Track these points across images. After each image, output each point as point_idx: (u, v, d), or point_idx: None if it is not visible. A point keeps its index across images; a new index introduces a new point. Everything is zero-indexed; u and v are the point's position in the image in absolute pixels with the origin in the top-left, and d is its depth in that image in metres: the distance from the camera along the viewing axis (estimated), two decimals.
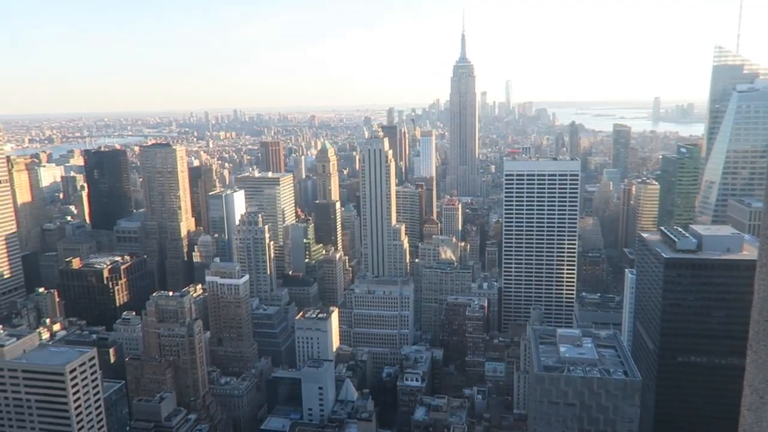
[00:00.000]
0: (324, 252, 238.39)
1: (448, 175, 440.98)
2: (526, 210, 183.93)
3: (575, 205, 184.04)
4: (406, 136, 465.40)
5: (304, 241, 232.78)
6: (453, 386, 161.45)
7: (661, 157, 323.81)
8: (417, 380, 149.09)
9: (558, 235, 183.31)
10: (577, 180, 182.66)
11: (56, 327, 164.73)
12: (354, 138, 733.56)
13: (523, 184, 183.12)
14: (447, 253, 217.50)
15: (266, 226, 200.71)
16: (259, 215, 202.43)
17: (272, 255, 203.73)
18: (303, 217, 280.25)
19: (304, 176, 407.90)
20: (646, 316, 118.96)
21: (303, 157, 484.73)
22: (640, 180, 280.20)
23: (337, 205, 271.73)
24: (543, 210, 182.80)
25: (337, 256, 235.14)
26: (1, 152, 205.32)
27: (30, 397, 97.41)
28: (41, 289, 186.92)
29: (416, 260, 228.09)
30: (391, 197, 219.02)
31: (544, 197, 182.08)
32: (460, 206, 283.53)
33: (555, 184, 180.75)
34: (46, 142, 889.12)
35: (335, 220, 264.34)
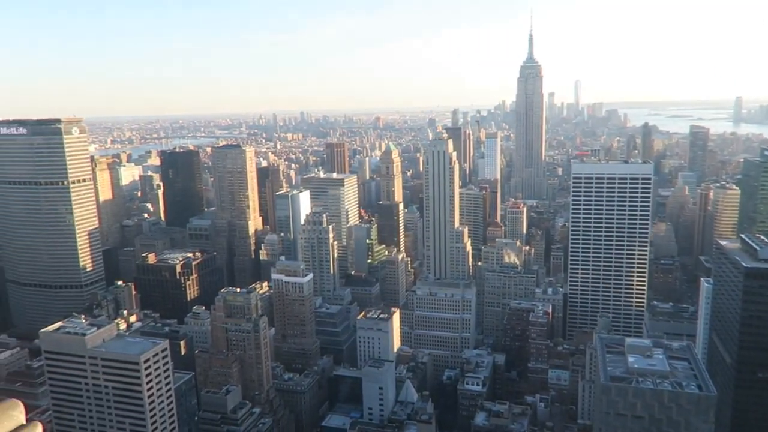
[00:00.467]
0: (386, 253, 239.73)
1: (513, 178, 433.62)
2: (595, 214, 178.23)
3: (647, 210, 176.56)
4: (471, 137, 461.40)
5: (367, 241, 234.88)
6: (515, 392, 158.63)
7: (742, 160, 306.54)
8: (478, 384, 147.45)
9: (628, 241, 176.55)
10: (650, 184, 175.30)
11: (132, 318, 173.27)
12: (418, 140, 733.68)
13: (591, 187, 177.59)
14: (511, 257, 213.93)
15: (330, 226, 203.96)
16: (324, 215, 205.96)
17: (336, 255, 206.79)
18: (366, 217, 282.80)
19: (368, 177, 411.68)
20: (723, 328, 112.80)
21: (367, 159, 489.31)
22: (718, 184, 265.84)
23: (400, 206, 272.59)
24: (612, 214, 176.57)
25: (400, 257, 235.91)
26: (86, 152, 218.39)
27: (108, 384, 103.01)
28: (120, 282, 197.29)
29: (479, 263, 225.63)
30: (454, 199, 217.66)
31: (613, 201, 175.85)
32: (525, 209, 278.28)
33: (626, 187, 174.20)
34: (127, 143, 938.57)
35: (398, 222, 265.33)
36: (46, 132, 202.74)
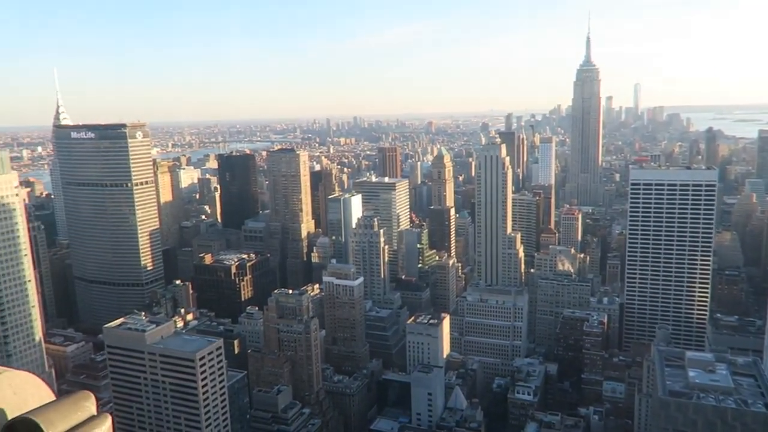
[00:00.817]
0: (437, 258, 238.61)
1: (568, 183, 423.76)
2: (654, 222, 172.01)
3: (711, 218, 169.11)
4: (525, 142, 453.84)
5: (418, 246, 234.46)
6: (567, 404, 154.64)
7: None
8: (529, 394, 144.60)
9: (690, 250, 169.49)
10: (714, 191, 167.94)
11: (189, 317, 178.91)
12: (470, 144, 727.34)
13: (651, 194, 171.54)
14: (565, 265, 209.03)
15: (381, 230, 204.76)
16: (375, 219, 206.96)
17: (386, 259, 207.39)
18: (417, 222, 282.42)
19: (419, 182, 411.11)
20: None
21: (419, 163, 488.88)
22: None
23: (452, 211, 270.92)
24: (673, 222, 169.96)
25: (450, 262, 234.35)
26: (149, 156, 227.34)
27: (165, 379, 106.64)
28: (178, 282, 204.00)
29: (531, 270, 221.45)
30: (506, 205, 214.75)
31: (674, 209, 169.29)
32: (580, 216, 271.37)
33: (688, 194, 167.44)
34: (187, 146, 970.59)
35: (449, 227, 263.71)
36: (113, 136, 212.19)
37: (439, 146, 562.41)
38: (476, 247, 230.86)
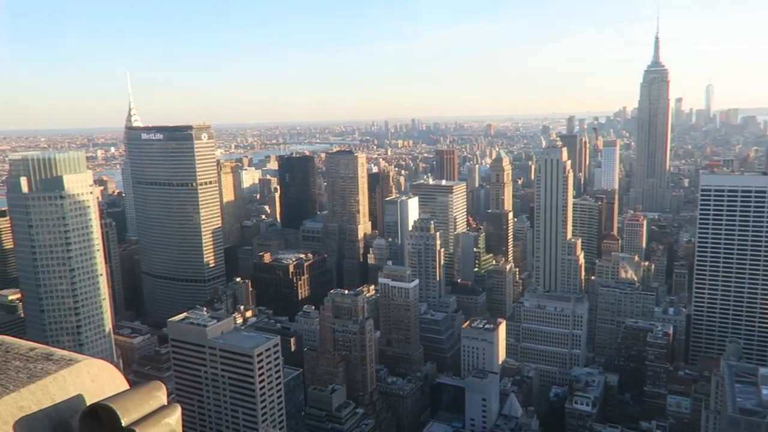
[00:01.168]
0: (494, 262, 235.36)
1: (632, 188, 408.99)
2: (726, 230, 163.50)
3: None
4: (587, 145, 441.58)
5: (474, 250, 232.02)
6: (627, 416, 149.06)
7: None
8: (588, 405, 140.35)
9: (764, 260, 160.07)
10: None
11: (248, 314, 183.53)
12: (530, 147, 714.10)
13: (723, 200, 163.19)
14: (628, 273, 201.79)
15: (437, 233, 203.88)
16: (431, 222, 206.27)
17: (442, 262, 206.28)
18: (474, 226, 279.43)
19: (477, 185, 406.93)
20: None
21: (477, 166, 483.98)
22: None
23: (510, 215, 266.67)
24: (747, 231, 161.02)
25: (507, 267, 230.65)
26: (213, 157, 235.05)
27: (224, 373, 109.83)
28: (238, 279, 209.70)
29: (592, 277, 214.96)
30: (567, 209, 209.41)
31: (748, 216, 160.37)
32: (644, 222, 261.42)
33: (764, 201, 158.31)
34: (249, 148, 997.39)
35: (507, 231, 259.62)
36: (179, 137, 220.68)
37: (497, 149, 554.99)
38: (534, 252, 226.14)
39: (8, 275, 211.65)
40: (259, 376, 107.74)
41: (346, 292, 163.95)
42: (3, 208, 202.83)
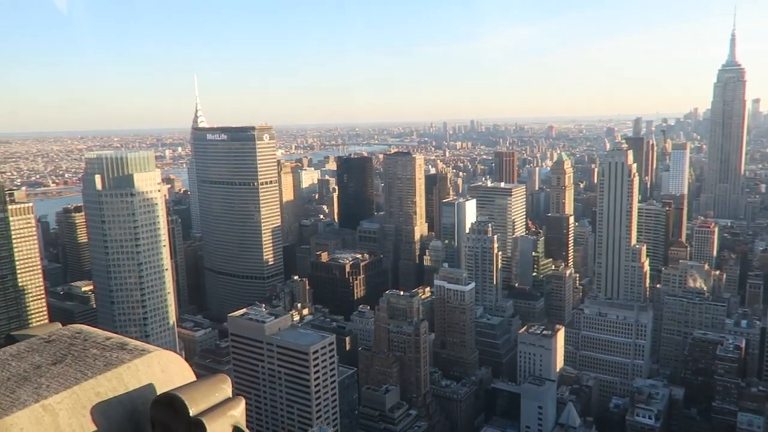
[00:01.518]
0: (553, 267, 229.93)
1: (703, 194, 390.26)
2: None
3: None
4: (654, 148, 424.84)
5: (533, 254, 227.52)
6: None
7: None
8: (650, 418, 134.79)
9: None
10: None
11: (305, 312, 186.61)
12: (593, 150, 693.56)
13: None
14: (696, 282, 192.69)
15: (495, 236, 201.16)
16: (489, 225, 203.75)
17: (499, 265, 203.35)
18: (533, 229, 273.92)
19: (537, 188, 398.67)
20: None
21: (537, 169, 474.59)
22: None
23: (571, 219, 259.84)
24: None
25: (567, 272, 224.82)
26: (274, 157, 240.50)
27: (281, 369, 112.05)
28: (296, 277, 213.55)
29: (657, 286, 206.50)
30: (631, 214, 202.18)
31: None
32: (716, 229, 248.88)
33: None
34: (308, 148, 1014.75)
35: (567, 235, 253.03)
36: (242, 138, 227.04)
37: (559, 151, 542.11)
38: (596, 257, 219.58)
39: (83, 267, 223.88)
40: (315, 373, 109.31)
41: (402, 293, 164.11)
42: (79, 204, 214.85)
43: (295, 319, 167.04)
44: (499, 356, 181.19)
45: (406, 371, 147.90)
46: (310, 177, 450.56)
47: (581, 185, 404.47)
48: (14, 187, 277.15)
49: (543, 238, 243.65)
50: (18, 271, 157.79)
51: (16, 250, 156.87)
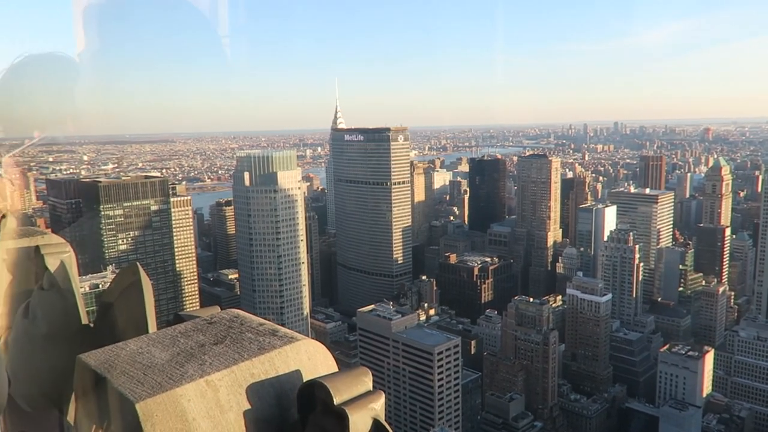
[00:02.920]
0: (703, 283, 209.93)
1: None
2: None
3: None
4: None
5: (680, 267, 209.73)
6: None
7: None
8: None
9: None
10: None
11: (431, 312, 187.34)
12: (758, 155, 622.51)
13: None
14: None
15: (636, 246, 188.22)
16: (630, 233, 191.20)
17: (640, 277, 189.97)
18: (681, 240, 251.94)
19: (687, 195, 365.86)
20: None
21: (689, 174, 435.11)
22: None
23: (727, 231, 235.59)
24: None
25: (720, 289, 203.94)
26: (408, 158, 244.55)
27: (405, 366, 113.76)
28: (424, 277, 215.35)
29: None
30: None
31: None
32: None
33: None
34: (441, 150, 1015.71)
35: (722, 249, 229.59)
36: (377, 139, 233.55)
37: (715, 156, 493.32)
38: (757, 275, 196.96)
39: (230, 257, 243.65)
40: (438, 373, 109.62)
41: (531, 300, 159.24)
42: (229, 198, 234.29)
43: (421, 318, 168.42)
44: (635, 374, 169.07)
45: (532, 381, 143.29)
46: (441, 178, 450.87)
47: (741, 194, 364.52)
48: (176, 182, 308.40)
49: (692, 250, 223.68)
50: (176, 257, 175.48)
51: (175, 238, 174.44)
